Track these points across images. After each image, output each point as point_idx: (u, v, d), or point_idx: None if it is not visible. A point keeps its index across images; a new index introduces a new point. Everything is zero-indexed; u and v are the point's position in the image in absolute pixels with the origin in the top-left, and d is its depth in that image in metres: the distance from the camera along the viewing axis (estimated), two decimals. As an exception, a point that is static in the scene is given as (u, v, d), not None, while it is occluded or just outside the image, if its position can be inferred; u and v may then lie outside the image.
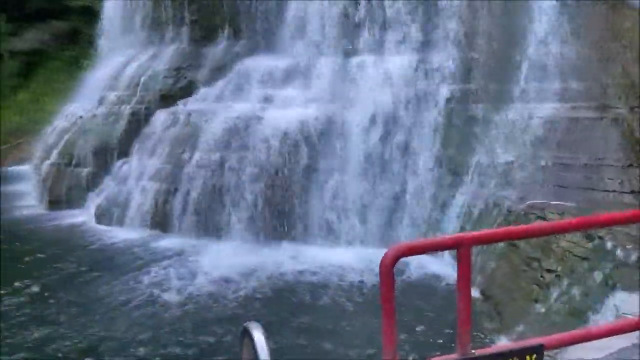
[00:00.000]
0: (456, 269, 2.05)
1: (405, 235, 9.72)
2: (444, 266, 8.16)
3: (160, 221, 10.68)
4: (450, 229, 9.22)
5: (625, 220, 2.48)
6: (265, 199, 10.05)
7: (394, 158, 10.12)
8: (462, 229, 8.96)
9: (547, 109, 8.87)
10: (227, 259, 8.93)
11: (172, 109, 11.89)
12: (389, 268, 1.90)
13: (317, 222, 10.10)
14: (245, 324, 1.95)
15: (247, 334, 1.90)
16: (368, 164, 10.21)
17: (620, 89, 8.32)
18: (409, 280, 8.12)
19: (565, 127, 8.56)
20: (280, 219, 10.09)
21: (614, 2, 8.96)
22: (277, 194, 10.12)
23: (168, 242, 9.99)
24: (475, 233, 2.05)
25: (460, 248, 2.00)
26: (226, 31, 12.89)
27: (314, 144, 10.38)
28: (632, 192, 7.59)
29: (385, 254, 1.95)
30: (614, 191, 7.61)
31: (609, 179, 7.82)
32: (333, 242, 9.91)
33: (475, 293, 7.61)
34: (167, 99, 12.10)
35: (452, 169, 9.71)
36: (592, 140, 8.25)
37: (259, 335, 1.86)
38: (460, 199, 9.41)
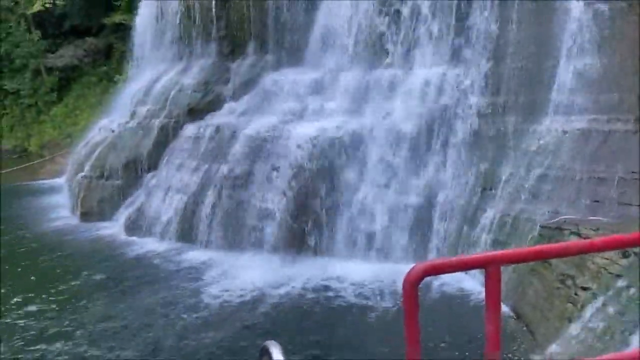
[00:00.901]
0: (484, 289, 1.95)
1: (434, 250, 9.55)
2: (477, 284, 7.96)
3: (188, 233, 10.77)
4: (481, 243, 9.00)
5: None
6: (292, 213, 10.02)
7: (423, 171, 9.99)
8: (493, 243, 8.75)
9: (581, 121, 8.62)
10: (252, 272, 8.91)
11: (199, 122, 12.06)
12: (413, 287, 1.82)
13: (344, 236, 10.01)
14: (264, 343, 1.90)
15: (266, 353, 1.85)
16: (396, 177, 10.10)
17: (656, 100, 8.05)
18: (439, 296, 7.93)
19: (599, 140, 8.30)
20: (307, 232, 10.04)
21: (649, 11, 8.70)
22: (303, 208, 10.08)
23: (194, 254, 10.06)
24: (504, 252, 1.95)
25: (488, 268, 1.91)
26: (253, 46, 13.05)
27: (341, 157, 10.34)
28: (671, 207, 7.29)
29: (409, 272, 1.87)
30: (651, 206, 7.32)
31: (645, 193, 7.53)
32: (361, 257, 9.79)
33: (506, 312, 7.41)
34: (195, 113, 12.28)
35: (482, 182, 9.52)
36: (627, 153, 7.96)
37: (277, 355, 1.80)
38: (490, 213, 9.19)
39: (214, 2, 12.73)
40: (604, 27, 9.00)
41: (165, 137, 12.40)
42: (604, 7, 9.18)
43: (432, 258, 9.19)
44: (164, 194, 11.37)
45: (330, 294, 8.15)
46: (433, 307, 7.48)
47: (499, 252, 1.94)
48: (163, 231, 11.01)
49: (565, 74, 9.05)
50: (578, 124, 8.56)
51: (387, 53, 11.10)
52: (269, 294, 8.05)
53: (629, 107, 8.24)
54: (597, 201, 7.89)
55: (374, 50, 11.32)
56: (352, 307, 7.68)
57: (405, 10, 11.00)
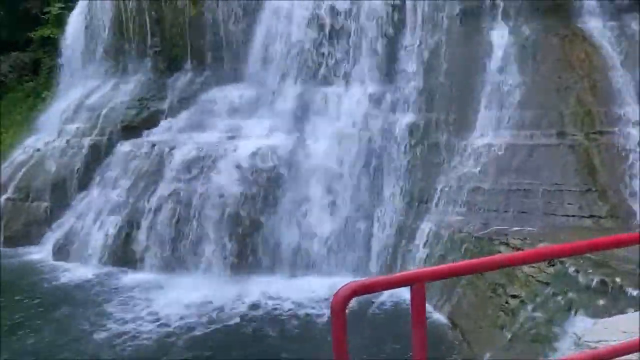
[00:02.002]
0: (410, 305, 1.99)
1: (375, 264, 9.70)
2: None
3: (123, 256, 10.35)
4: (418, 256, 9.21)
5: (578, 251, 2.49)
6: (233, 231, 9.88)
7: (361, 187, 10.14)
8: (429, 256, 8.97)
9: (507, 136, 9.06)
10: (190, 294, 8.67)
11: (134, 140, 11.69)
12: (340, 308, 1.83)
13: (285, 254, 9.97)
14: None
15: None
16: (335, 193, 10.20)
17: (576, 116, 8.60)
18: (378, 310, 8.01)
19: (524, 154, 8.74)
20: (248, 250, 9.92)
21: (565, 33, 9.33)
22: (244, 226, 9.97)
23: (129, 278, 9.67)
24: (429, 269, 2.01)
25: (413, 285, 1.95)
26: (191, 61, 12.86)
27: (281, 175, 10.33)
28: (591, 216, 7.77)
29: (336, 293, 1.88)
30: (573, 216, 7.77)
31: (568, 204, 7.99)
32: (303, 274, 9.77)
33: (444, 322, 7.59)
34: (130, 130, 11.90)
35: (418, 196, 9.78)
36: (551, 166, 8.44)
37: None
38: (426, 226, 9.44)
39: (147, 18, 12.46)
40: (526, 48, 9.56)
41: (97, 156, 11.92)
42: (526, 29, 9.77)
43: (370, 276, 9.32)
44: (96, 215, 10.90)
45: (270, 312, 8.06)
46: (376, 319, 7.56)
47: (423, 269, 1.98)
48: (95, 255, 10.53)
49: (492, 92, 9.52)
50: (504, 139, 8.99)
51: (325, 71, 11.25)
52: (205, 316, 7.85)
53: (551, 122, 8.76)
54: (524, 212, 8.30)
55: (312, 69, 11.45)
56: (291, 326, 7.62)
57: (342, 30, 11.22)
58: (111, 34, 12.99)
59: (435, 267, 2.01)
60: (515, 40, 9.70)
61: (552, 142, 8.59)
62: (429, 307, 7.97)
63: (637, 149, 7.79)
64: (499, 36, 9.90)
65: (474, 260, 2.05)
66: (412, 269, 9.10)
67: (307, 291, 8.78)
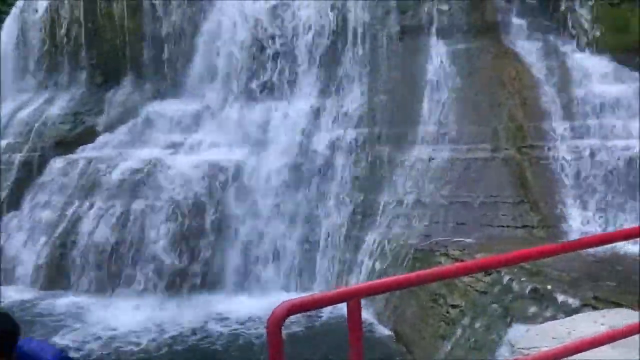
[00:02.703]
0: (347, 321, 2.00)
1: (321, 279, 9.70)
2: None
3: (55, 278, 9.83)
4: (364, 270, 9.31)
5: (510, 262, 2.59)
6: (173, 250, 9.61)
7: (306, 201, 10.15)
8: (374, 269, 9.09)
9: (445, 150, 9.37)
10: (128, 317, 8.34)
11: (69, 156, 11.20)
12: (275, 328, 1.81)
13: (230, 271, 9.80)
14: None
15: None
16: (280, 208, 10.15)
17: (508, 131, 9.02)
18: (321, 325, 8.00)
19: (462, 167, 9.06)
20: (190, 269, 9.67)
21: (497, 52, 9.81)
22: (186, 244, 9.72)
23: (62, 302, 9.18)
24: (363, 285, 2.03)
25: (349, 301, 1.96)
26: (130, 75, 12.52)
27: (223, 191, 10.18)
28: (524, 226, 8.13)
29: (272, 313, 1.86)
30: (508, 226, 8.10)
31: (503, 215, 8.34)
32: (248, 291, 9.63)
33: (388, 334, 7.67)
34: (64, 146, 11.40)
35: (362, 209, 9.89)
36: (486, 179, 8.79)
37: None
38: (371, 239, 9.56)
39: (83, 30, 12.04)
40: (462, 65, 9.98)
41: (29, 173, 11.32)
42: (461, 46, 10.21)
43: (316, 290, 9.30)
44: (27, 235, 10.31)
45: (213, 332, 7.87)
46: (318, 334, 7.54)
47: (358, 286, 2.00)
48: (26, 277, 9.95)
49: (430, 107, 9.85)
50: (443, 153, 9.30)
51: (267, 86, 11.26)
52: (144, 339, 7.56)
53: (486, 137, 9.14)
54: (463, 223, 8.57)
55: (255, 83, 11.42)
56: (234, 346, 7.47)
57: (285, 45, 11.28)
58: (44, 46, 12.46)
59: (370, 283, 2.03)
60: (450, 58, 10.11)
61: (487, 156, 8.96)
62: (374, 319, 8.05)
63: (565, 162, 8.24)
64: (436, 53, 10.29)
65: (408, 275, 2.10)
66: (357, 283, 9.21)
67: (252, 309, 8.66)
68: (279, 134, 10.74)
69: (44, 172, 11.18)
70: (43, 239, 10.13)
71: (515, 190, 8.43)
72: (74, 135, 11.54)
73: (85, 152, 11.23)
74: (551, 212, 8.19)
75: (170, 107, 11.78)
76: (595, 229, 7.67)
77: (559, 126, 8.63)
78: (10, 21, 13.19)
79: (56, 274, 9.89)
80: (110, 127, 11.71)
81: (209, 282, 9.61)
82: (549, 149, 8.58)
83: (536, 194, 8.34)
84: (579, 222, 7.91)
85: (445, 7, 10.20)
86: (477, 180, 8.85)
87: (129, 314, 8.52)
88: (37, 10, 12.57)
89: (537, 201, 8.33)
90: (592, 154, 8.08)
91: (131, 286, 9.48)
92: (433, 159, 9.42)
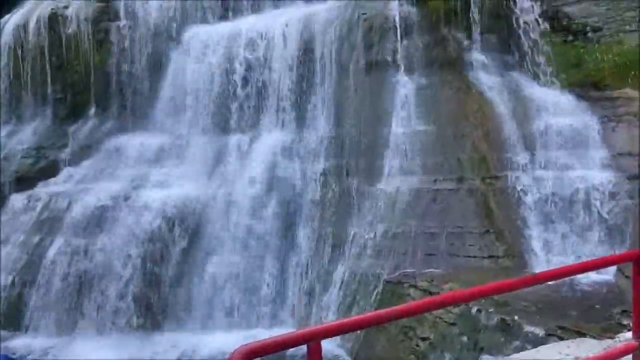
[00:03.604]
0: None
1: (288, 313, 9.55)
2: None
3: (13, 318, 9.41)
4: (333, 302, 9.22)
5: (475, 296, 2.60)
6: (138, 287, 9.35)
7: (274, 234, 10.06)
8: (343, 301, 9.02)
9: (412, 182, 9.48)
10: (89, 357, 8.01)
11: (29, 192, 10.89)
12: (233, 374, 1.75)
13: (198, 308, 9.56)
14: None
15: None
16: (249, 243, 10.02)
17: (472, 162, 9.20)
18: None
19: (429, 198, 9.17)
20: (155, 306, 9.40)
21: (459, 85, 10.08)
22: (150, 281, 9.47)
23: (20, 343, 8.77)
24: (324, 326, 2.00)
25: (309, 343, 1.93)
26: (94, 109, 12.38)
27: (190, 225, 10.02)
28: (490, 256, 8.23)
29: (230, 356, 1.81)
30: (474, 256, 8.18)
31: (469, 245, 8.43)
32: (217, 327, 9.39)
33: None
34: (25, 181, 11.10)
35: (332, 241, 9.86)
36: (452, 209, 8.90)
37: None
38: (340, 271, 9.51)
39: (47, 64, 11.90)
40: (426, 99, 10.20)
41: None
42: (424, 80, 10.46)
43: (284, 326, 9.15)
44: (-17, 274, 9.90)
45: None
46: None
47: (318, 327, 1.97)
48: (-19, 318, 9.50)
49: (396, 139, 9.99)
50: (410, 185, 9.40)
51: (235, 120, 11.27)
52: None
53: (451, 168, 9.30)
54: (431, 254, 8.63)
55: (222, 117, 11.43)
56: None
57: (252, 79, 11.36)
58: (7, 80, 12.24)
59: (330, 323, 2.00)
60: (415, 91, 10.33)
61: (453, 187, 9.10)
62: (345, 355, 7.94)
63: (527, 193, 8.43)
64: (401, 87, 10.51)
65: (369, 314, 2.08)
66: (327, 315, 9.11)
67: (220, 346, 8.43)
68: (246, 166, 10.70)
69: (4, 208, 10.82)
70: (1, 277, 9.73)
71: (481, 220, 8.55)
72: (36, 170, 11.27)
73: (47, 187, 10.94)
74: (516, 242, 8.32)
75: (135, 141, 11.65)
76: (558, 258, 7.81)
77: (521, 157, 8.86)
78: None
79: (14, 314, 9.47)
80: (74, 161, 11.47)
81: (174, 320, 9.34)
82: (511, 179, 8.77)
83: (501, 224, 8.48)
84: (542, 251, 8.06)
85: (408, 43, 10.48)
86: (444, 210, 8.95)
87: (89, 356, 8.19)
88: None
89: (502, 231, 8.47)
90: (553, 185, 8.30)
91: (93, 326, 9.15)
92: (400, 190, 9.50)
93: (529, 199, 8.38)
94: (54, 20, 12.23)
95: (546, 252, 7.99)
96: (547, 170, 8.57)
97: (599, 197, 7.81)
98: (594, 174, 8.16)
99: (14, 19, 12.82)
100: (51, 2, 12.84)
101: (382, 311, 2.22)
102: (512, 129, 9.12)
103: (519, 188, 8.59)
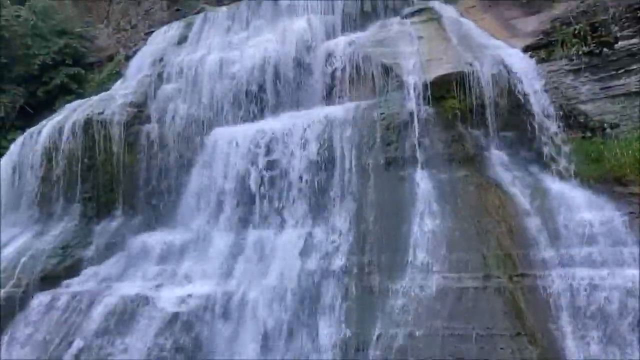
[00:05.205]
0: None
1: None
2: None
3: None
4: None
5: None
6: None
7: (296, 336, 9.77)
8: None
9: (437, 280, 9.25)
10: None
11: (53, 291, 10.94)
12: None
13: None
14: None
15: None
16: (269, 343, 9.73)
17: (498, 259, 9.00)
18: None
19: (454, 297, 8.89)
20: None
21: (479, 181, 10.12)
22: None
23: None
24: None
25: None
26: (122, 207, 12.71)
27: (213, 324, 9.84)
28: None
29: None
30: (507, 361, 7.76)
31: (501, 348, 8.02)
32: None
33: None
34: (49, 281, 11.18)
35: (355, 343, 9.47)
36: (480, 309, 8.58)
37: None
38: (365, 376, 9.06)
39: (79, 167, 12.45)
40: (446, 195, 10.22)
41: (11, 310, 10.94)
42: (444, 176, 10.54)
43: None
44: (0, 379, 9.72)
45: None
46: None
47: None
48: None
49: (419, 235, 9.89)
50: (434, 283, 9.16)
51: (257, 215, 11.39)
52: None
53: (476, 265, 9.08)
54: (460, 358, 8.21)
55: (245, 212, 11.58)
56: None
57: (275, 175, 11.61)
58: (39, 181, 12.77)
59: None
60: (436, 188, 10.38)
61: (479, 285, 8.83)
62: None
63: (558, 292, 8.13)
64: (422, 183, 10.58)
65: None
66: None
67: None
68: (269, 263, 10.64)
69: (26, 308, 10.83)
70: (17, 383, 9.54)
71: (511, 321, 8.20)
72: (61, 269, 11.39)
73: (70, 287, 10.99)
74: (550, 345, 7.90)
75: (160, 238, 11.78)
76: (596, 364, 7.36)
77: (547, 254, 8.65)
78: (7, 158, 13.65)
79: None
80: (98, 260, 11.60)
81: None
82: (540, 277, 8.51)
83: (532, 326, 8.11)
84: (578, 355, 7.61)
85: (426, 141, 10.70)
86: (471, 310, 8.63)
87: None
88: (35, 148, 13.07)
89: (534, 333, 8.08)
90: (584, 284, 8.00)
91: None
92: (424, 288, 9.26)
93: (560, 299, 8.06)
94: (89, 124, 12.94)
95: (584, 357, 7.54)
96: (575, 268, 8.30)
97: (632, 298, 7.47)
98: (625, 272, 7.88)
99: (50, 123, 13.62)
100: (87, 107, 13.67)
101: None
102: (536, 225, 8.99)
103: (548, 287, 8.30)
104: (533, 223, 8.98)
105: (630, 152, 8.92)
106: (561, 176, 9.69)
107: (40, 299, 10.79)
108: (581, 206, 8.87)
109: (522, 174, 9.87)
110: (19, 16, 18.98)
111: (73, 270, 11.45)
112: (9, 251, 11.99)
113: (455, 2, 15.12)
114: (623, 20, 10.61)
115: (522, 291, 8.50)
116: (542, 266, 8.53)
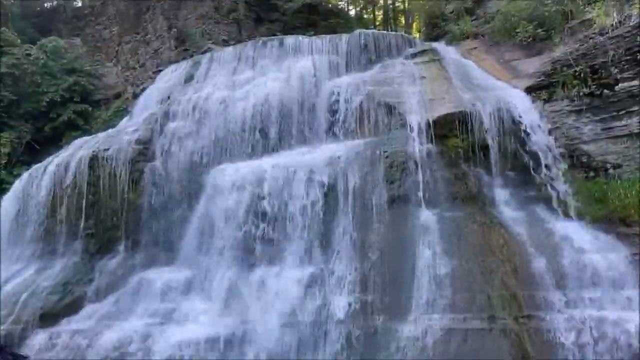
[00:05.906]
0: None
1: None
2: None
3: None
4: None
5: None
6: None
7: (297, 376, 9.56)
8: None
9: (442, 320, 9.10)
10: None
11: (52, 329, 10.78)
12: None
13: None
14: None
15: None
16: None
17: (503, 300, 8.87)
18: None
19: (460, 338, 8.73)
20: None
21: (483, 220, 10.08)
22: None
23: None
24: None
25: None
26: (124, 244, 12.65)
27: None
28: (532, 406, 7.58)
29: None
30: (514, 407, 7.54)
31: (508, 393, 7.82)
32: None
33: None
34: (49, 318, 11.02)
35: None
36: (486, 351, 8.41)
37: None
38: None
39: (84, 203, 12.48)
40: (450, 233, 10.16)
41: (9, 348, 10.76)
42: (448, 214, 10.51)
43: None
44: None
45: None
46: None
47: None
48: None
49: (423, 274, 9.78)
50: (439, 323, 9.01)
51: (259, 253, 11.31)
52: None
53: (481, 306, 8.95)
54: (467, 403, 8.00)
55: (247, 250, 11.50)
56: None
57: (277, 213, 11.58)
58: (43, 217, 12.78)
59: None
60: (438, 225, 10.33)
61: (484, 326, 8.68)
62: None
63: (565, 334, 7.98)
64: (424, 221, 10.54)
65: None
66: None
67: None
68: (271, 302, 10.50)
69: (24, 346, 10.66)
70: None
71: (518, 364, 8.02)
72: (61, 307, 11.24)
73: (69, 325, 10.84)
74: (558, 389, 7.71)
75: (161, 275, 11.67)
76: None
77: (552, 295, 8.53)
78: (12, 193, 13.70)
79: None
80: (98, 297, 11.47)
81: None
82: (546, 319, 8.36)
83: (540, 369, 7.93)
84: (588, 401, 7.42)
85: (429, 179, 10.73)
86: (477, 352, 8.47)
87: None
88: (40, 184, 13.14)
89: (542, 377, 7.90)
90: (591, 327, 7.86)
91: None
92: (429, 329, 9.10)
93: (567, 342, 7.90)
94: (95, 161, 13.04)
95: (593, 402, 7.34)
96: (581, 310, 8.17)
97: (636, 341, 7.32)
98: (631, 315, 7.74)
99: (56, 160, 13.73)
100: (94, 144, 13.82)
101: None
102: (541, 265, 8.90)
103: (554, 329, 8.15)
104: (538, 263, 8.90)
105: (633, 192, 8.91)
106: (565, 216, 9.65)
107: (39, 337, 10.63)
108: (586, 247, 8.80)
109: (526, 213, 9.85)
110: (29, 54, 19.37)
111: (73, 308, 11.30)
112: (10, 287, 11.90)
113: (457, 44, 15.46)
114: (623, 62, 10.79)
115: (528, 333, 8.35)
116: (548, 307, 8.40)
